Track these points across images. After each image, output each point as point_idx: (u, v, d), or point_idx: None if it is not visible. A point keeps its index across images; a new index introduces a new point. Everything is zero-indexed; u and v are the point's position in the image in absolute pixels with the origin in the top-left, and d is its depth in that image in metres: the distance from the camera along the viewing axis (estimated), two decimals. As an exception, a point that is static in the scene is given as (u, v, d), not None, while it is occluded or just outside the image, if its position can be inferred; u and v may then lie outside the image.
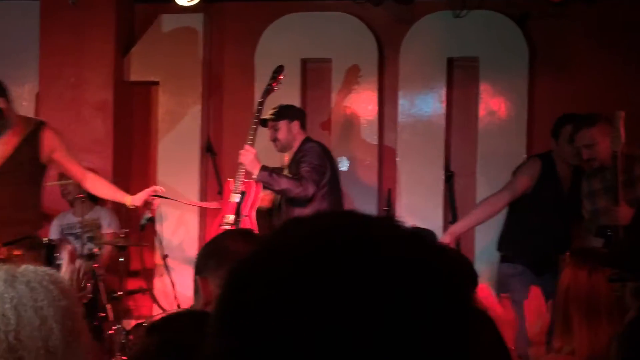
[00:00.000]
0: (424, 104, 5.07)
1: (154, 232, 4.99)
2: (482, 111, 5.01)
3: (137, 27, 5.47)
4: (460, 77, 5.17)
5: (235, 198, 4.09)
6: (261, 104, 4.20)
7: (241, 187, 4.08)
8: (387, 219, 0.66)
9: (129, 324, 4.70)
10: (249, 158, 3.98)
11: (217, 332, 0.60)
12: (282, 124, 4.18)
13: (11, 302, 1.34)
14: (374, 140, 5.15)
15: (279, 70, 4.31)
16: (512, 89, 5.01)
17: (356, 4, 5.04)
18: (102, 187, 3.96)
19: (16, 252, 3.41)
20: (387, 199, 4.93)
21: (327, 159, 4.18)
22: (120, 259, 4.53)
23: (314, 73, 5.32)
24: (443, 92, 5.06)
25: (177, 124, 5.25)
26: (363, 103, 5.17)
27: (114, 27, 5.28)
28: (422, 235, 0.63)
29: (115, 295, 4.48)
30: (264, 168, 3.97)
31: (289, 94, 5.06)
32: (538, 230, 4.05)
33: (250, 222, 4.08)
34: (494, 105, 5.02)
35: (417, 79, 5.13)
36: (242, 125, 5.12)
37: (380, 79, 5.17)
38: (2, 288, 1.36)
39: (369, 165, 5.11)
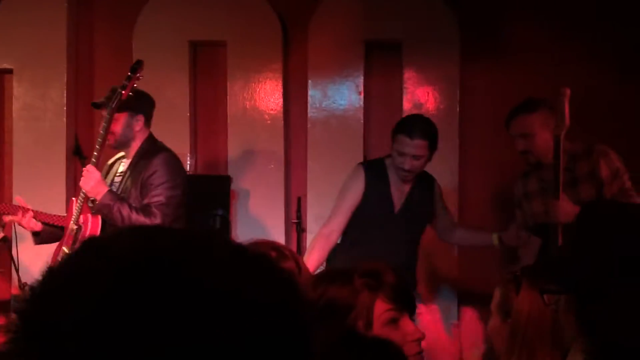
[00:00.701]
0: (339, 95, 4.58)
1: (9, 256, 4.29)
2: (407, 103, 4.57)
3: None
4: (381, 63, 4.74)
5: (74, 227, 3.41)
6: (111, 112, 3.30)
7: (80, 218, 3.40)
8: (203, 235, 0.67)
9: None
10: (91, 183, 3.29)
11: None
12: (122, 116, 3.37)
13: None
14: (279, 139, 4.64)
15: (136, 67, 3.41)
16: (441, 77, 4.61)
17: None
18: None
19: None
20: (297, 209, 4.50)
21: (182, 179, 3.53)
22: None
23: (205, 58, 4.81)
24: (361, 81, 4.62)
25: (37, 121, 4.55)
26: (265, 94, 4.68)
27: None
28: (253, 257, 0.65)
29: None
30: (110, 192, 3.31)
31: (175, 82, 4.62)
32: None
33: None
34: (421, 96, 4.59)
35: (330, 66, 4.65)
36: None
37: (286, 66, 4.68)
38: None
39: (274, 170, 4.60)
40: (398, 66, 4.57)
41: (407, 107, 4.48)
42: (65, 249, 3.40)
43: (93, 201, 3.35)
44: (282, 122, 4.58)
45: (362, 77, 4.56)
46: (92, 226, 3.37)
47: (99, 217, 3.34)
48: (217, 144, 4.69)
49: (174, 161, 3.52)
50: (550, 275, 1.93)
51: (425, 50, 4.53)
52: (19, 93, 4.56)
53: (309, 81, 4.57)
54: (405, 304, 1.84)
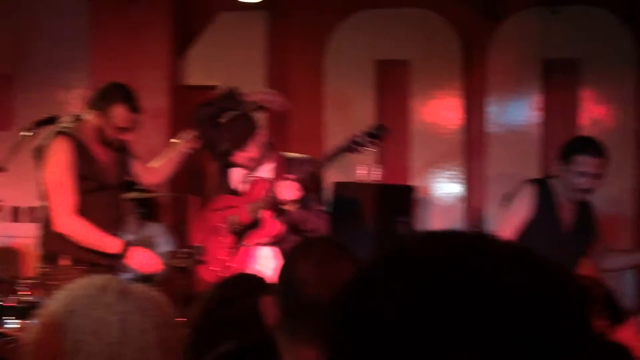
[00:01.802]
0: (516, 112, 5.08)
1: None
2: (584, 120, 4.98)
3: (194, 26, 5.64)
4: (558, 81, 5.14)
5: (252, 213, 4.04)
6: (330, 158, 3.85)
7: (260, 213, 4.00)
8: (511, 245, 0.70)
9: None
10: (289, 195, 3.80)
11: (336, 333, 0.68)
12: None
13: (119, 315, 1.40)
14: (458, 152, 5.15)
15: (377, 133, 3.71)
16: (618, 95, 4.98)
17: (439, 2, 5.16)
18: None
19: None
20: (476, 219, 5.00)
21: None
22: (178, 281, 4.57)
23: (390, 76, 5.37)
24: (538, 98, 5.07)
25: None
26: (446, 110, 5.22)
27: (169, 26, 5.51)
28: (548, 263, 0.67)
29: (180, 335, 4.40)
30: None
31: (362, 98, 5.20)
32: None
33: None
34: (598, 113, 4.98)
35: (508, 83, 5.16)
36: (309, 134, 5.36)
37: (466, 84, 5.19)
38: (113, 299, 1.41)
39: (453, 181, 5.14)
40: (575, 84, 4.96)
41: (584, 123, 4.87)
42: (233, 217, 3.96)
43: (280, 210, 3.83)
44: (462, 136, 5.07)
45: (539, 94, 4.98)
46: (270, 227, 3.89)
47: (279, 223, 3.89)
48: (400, 156, 5.22)
49: None
50: None
51: (602, 69, 4.89)
52: None
53: (488, 98, 5.05)
54: (615, 316, 2.03)
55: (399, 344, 0.63)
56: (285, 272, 1.85)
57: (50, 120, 4.14)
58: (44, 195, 4.06)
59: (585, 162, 3.60)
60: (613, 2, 4.91)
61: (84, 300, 1.46)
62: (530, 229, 3.74)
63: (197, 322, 2.11)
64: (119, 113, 3.96)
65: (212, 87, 5.33)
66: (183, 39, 5.59)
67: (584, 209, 3.84)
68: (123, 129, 3.98)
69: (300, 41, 5.44)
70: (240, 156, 3.95)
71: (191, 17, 5.62)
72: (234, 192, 4.07)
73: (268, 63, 5.41)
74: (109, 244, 3.97)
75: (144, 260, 3.99)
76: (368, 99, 5.21)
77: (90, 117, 3.99)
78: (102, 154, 4.06)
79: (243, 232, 3.97)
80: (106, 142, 4.02)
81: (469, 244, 0.67)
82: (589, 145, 3.67)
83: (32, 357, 1.47)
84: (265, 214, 3.90)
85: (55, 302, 1.47)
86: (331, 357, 0.68)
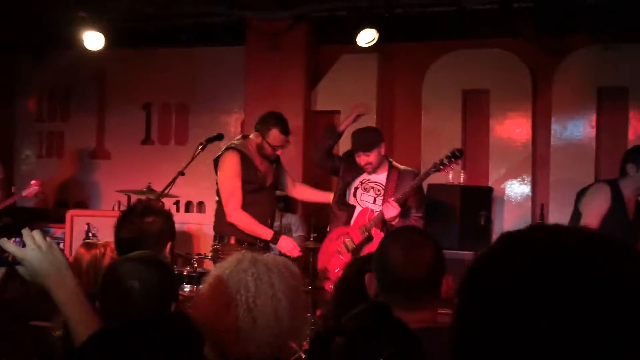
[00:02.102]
0: (576, 129, 5.65)
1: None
2: (631, 135, 5.53)
3: (322, 65, 6.35)
4: (610, 104, 5.67)
5: (364, 234, 4.51)
6: (427, 175, 4.47)
7: (372, 230, 4.48)
8: (605, 237, 0.75)
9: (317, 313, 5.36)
10: (393, 213, 4.28)
11: (461, 306, 0.77)
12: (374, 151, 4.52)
13: (252, 276, 1.73)
14: (528, 161, 5.80)
15: (456, 155, 4.38)
16: None
17: (513, 41, 5.69)
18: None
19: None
20: (541, 213, 5.43)
21: None
22: (310, 260, 5.10)
23: (473, 102, 6.03)
24: (593, 118, 5.64)
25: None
26: (518, 128, 5.84)
27: (304, 66, 6.20)
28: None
29: (306, 289, 5.05)
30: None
31: (451, 121, 5.91)
32: None
33: None
34: None
35: (569, 106, 5.73)
36: (410, 151, 5.95)
37: (534, 107, 5.81)
38: (248, 266, 1.75)
39: (523, 183, 5.78)
40: (624, 107, 5.54)
41: (631, 138, 5.47)
42: (349, 242, 4.53)
43: (386, 224, 4.36)
44: (531, 148, 5.75)
45: (594, 115, 5.60)
46: (377, 240, 4.29)
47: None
48: (481, 164, 5.92)
49: None
50: None
51: None
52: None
53: (552, 118, 5.71)
54: None
55: (523, 305, 0.69)
56: (380, 254, 2.03)
57: (216, 137, 4.74)
58: (218, 193, 4.65)
59: None
60: None
61: (232, 268, 1.77)
62: (607, 217, 4.11)
63: (338, 289, 2.35)
64: (275, 135, 4.55)
65: (336, 112, 6.17)
66: (314, 75, 6.25)
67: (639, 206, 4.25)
68: (277, 147, 4.59)
69: (402, 76, 6.14)
70: (362, 158, 4.46)
71: (320, 58, 6.32)
72: (349, 205, 4.60)
73: (378, 93, 6.11)
74: (264, 232, 4.54)
75: (288, 246, 4.53)
76: (457, 119, 5.90)
77: (253, 137, 4.61)
78: (261, 164, 4.63)
79: (359, 249, 4.49)
80: (264, 155, 4.62)
81: (574, 234, 0.73)
82: None
83: (205, 305, 1.77)
84: (375, 230, 4.46)
85: (218, 269, 1.81)
86: (460, 311, 0.75)
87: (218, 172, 4.61)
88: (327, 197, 4.91)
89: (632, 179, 4.13)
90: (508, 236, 0.77)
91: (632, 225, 4.20)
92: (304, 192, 5.12)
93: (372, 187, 4.62)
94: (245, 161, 4.58)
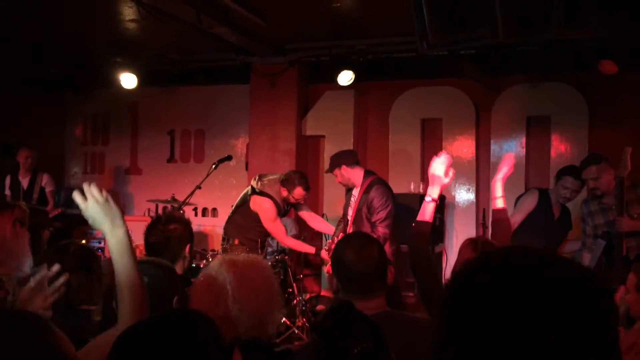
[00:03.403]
0: (510, 149, 5.87)
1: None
2: (553, 154, 5.81)
3: (311, 99, 6.58)
4: (536, 130, 5.92)
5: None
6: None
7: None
8: (556, 257, 0.76)
9: (306, 296, 5.68)
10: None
11: (441, 309, 0.76)
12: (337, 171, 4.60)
13: (234, 273, 1.76)
14: (473, 175, 6.09)
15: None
16: (576, 138, 5.72)
17: (460, 80, 5.96)
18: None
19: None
20: (482, 215, 5.68)
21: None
22: (301, 253, 5.49)
23: (429, 128, 6.27)
24: (523, 140, 5.89)
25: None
26: (463, 148, 6.10)
27: (296, 100, 6.43)
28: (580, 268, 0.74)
29: (298, 277, 5.38)
30: None
31: (413, 143, 6.12)
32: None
33: None
34: (562, 149, 5.78)
35: (505, 131, 5.98)
36: (380, 167, 6.05)
37: (477, 132, 6.08)
38: (229, 266, 1.78)
39: (469, 192, 6.08)
40: (548, 131, 5.80)
41: (553, 156, 5.75)
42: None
43: None
44: (475, 164, 6.02)
45: (524, 138, 5.87)
46: None
47: None
48: None
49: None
50: None
51: (565, 122, 5.72)
52: (328, 148, 6.33)
53: (491, 140, 5.98)
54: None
55: (491, 312, 0.68)
56: (336, 257, 2.04)
57: (226, 158, 4.88)
58: (236, 206, 4.85)
59: (567, 181, 4.17)
60: (571, 78, 5.55)
61: (217, 269, 1.79)
62: (535, 215, 4.20)
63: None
64: (298, 191, 4.73)
65: (321, 136, 6.45)
66: (304, 107, 6.42)
67: (564, 209, 4.40)
68: (298, 200, 4.80)
69: (374, 108, 6.35)
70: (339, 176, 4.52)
71: (309, 94, 6.50)
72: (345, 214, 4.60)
73: (355, 122, 6.35)
74: (309, 249, 4.79)
75: (325, 255, 4.53)
76: (417, 142, 6.13)
77: (282, 190, 4.77)
78: (283, 206, 4.78)
79: None
80: (288, 204, 4.87)
81: (529, 254, 0.74)
82: (572, 171, 4.21)
83: (199, 299, 1.76)
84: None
85: (206, 271, 1.82)
86: (439, 322, 0.73)
87: (261, 214, 4.76)
88: (332, 230, 4.88)
89: (554, 190, 4.40)
90: (481, 256, 0.78)
91: (557, 224, 4.41)
92: (318, 226, 5.19)
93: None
94: (277, 206, 4.81)
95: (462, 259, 2.49)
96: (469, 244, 2.56)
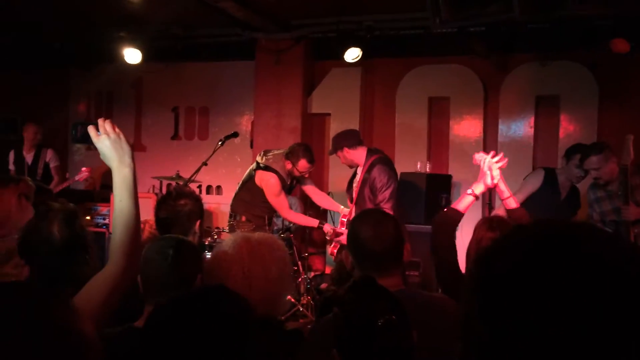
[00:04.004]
0: (518, 129, 5.87)
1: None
2: (561, 134, 5.78)
3: (317, 77, 6.55)
4: (545, 109, 5.90)
5: None
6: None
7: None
8: (589, 226, 0.71)
9: (311, 275, 5.71)
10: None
11: (470, 291, 0.71)
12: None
13: (247, 250, 1.83)
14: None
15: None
16: (585, 118, 5.69)
17: (468, 58, 5.91)
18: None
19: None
20: (489, 195, 5.67)
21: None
22: (306, 231, 5.71)
23: (437, 107, 6.25)
24: (532, 120, 5.87)
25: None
26: (471, 127, 6.09)
27: (302, 77, 6.40)
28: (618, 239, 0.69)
29: (303, 255, 5.47)
30: None
31: (419, 122, 6.12)
32: None
33: None
34: (571, 129, 5.76)
35: (513, 111, 5.94)
36: (386, 146, 6.02)
37: (485, 111, 6.05)
38: (242, 243, 1.83)
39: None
40: (557, 111, 5.78)
41: (562, 136, 5.73)
42: None
43: None
44: (482, 144, 6.00)
45: (533, 117, 5.84)
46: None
47: None
48: (442, 156, 6.17)
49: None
50: None
51: (575, 102, 5.70)
52: (334, 126, 6.30)
53: (499, 120, 5.96)
54: None
55: (523, 288, 0.64)
56: (352, 233, 2.04)
57: (232, 135, 4.89)
58: (242, 183, 4.87)
59: (592, 162, 3.98)
60: (581, 56, 5.48)
61: (230, 245, 1.84)
62: (540, 195, 4.18)
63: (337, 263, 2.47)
64: (303, 164, 4.71)
65: (327, 114, 6.44)
66: (310, 85, 6.40)
67: (574, 190, 4.41)
68: (303, 173, 4.78)
69: (381, 86, 6.33)
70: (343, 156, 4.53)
71: (315, 71, 6.47)
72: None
73: (361, 99, 6.33)
74: (311, 222, 4.82)
75: (329, 229, 4.72)
76: (424, 121, 6.12)
77: (286, 163, 4.76)
78: (288, 180, 4.86)
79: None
80: (292, 177, 4.88)
81: (567, 227, 0.70)
82: (588, 148, 4.12)
83: (212, 274, 1.83)
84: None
85: (220, 247, 1.89)
86: (468, 303, 0.69)
87: (265, 189, 4.78)
88: (337, 207, 5.05)
89: (563, 169, 4.40)
90: (512, 231, 0.74)
91: (563, 204, 4.41)
92: (322, 202, 5.20)
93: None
94: (282, 181, 4.82)
95: (477, 238, 2.45)
96: (484, 223, 2.53)
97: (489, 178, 2.53)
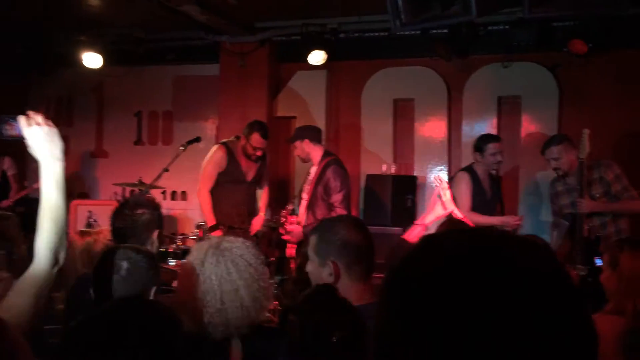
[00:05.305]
0: (481, 129, 5.83)
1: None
2: (523, 134, 5.87)
3: (282, 80, 6.53)
4: (507, 110, 5.97)
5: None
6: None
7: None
8: (512, 236, 0.70)
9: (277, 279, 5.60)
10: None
11: (384, 302, 0.69)
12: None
13: (215, 272, 1.77)
14: (445, 154, 6.12)
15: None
16: (546, 118, 5.78)
17: (432, 60, 5.96)
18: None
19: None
20: (454, 196, 5.69)
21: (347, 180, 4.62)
22: (273, 235, 5.46)
23: (401, 109, 6.28)
24: (495, 120, 5.94)
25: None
26: (436, 128, 6.13)
27: (267, 80, 6.39)
28: (538, 247, 0.67)
29: (269, 260, 5.16)
30: None
31: (385, 124, 6.13)
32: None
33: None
34: (532, 129, 5.85)
35: (476, 112, 6.00)
36: (352, 148, 6.21)
37: (449, 112, 6.10)
38: (213, 260, 1.78)
39: (440, 172, 6.09)
40: (518, 111, 5.86)
41: (523, 136, 5.83)
42: None
43: None
44: (447, 145, 6.04)
45: (495, 118, 5.92)
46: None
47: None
48: (408, 158, 6.20)
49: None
50: None
51: (535, 102, 5.78)
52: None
53: (463, 121, 6.03)
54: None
55: (441, 299, 0.62)
56: (337, 238, 1.95)
57: (195, 140, 4.81)
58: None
59: (493, 147, 4.32)
60: (543, 59, 5.59)
61: (199, 262, 1.78)
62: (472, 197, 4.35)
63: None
64: (256, 138, 4.71)
65: (292, 117, 6.42)
66: (275, 88, 6.38)
67: (494, 181, 4.48)
68: (257, 148, 4.75)
69: (346, 88, 6.33)
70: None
71: (280, 74, 6.46)
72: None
73: (327, 102, 6.32)
74: (209, 219, 4.67)
75: (256, 223, 4.97)
76: (389, 123, 6.15)
77: (240, 139, 4.79)
78: (244, 161, 4.84)
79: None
80: (246, 155, 4.80)
81: (483, 236, 0.69)
82: (490, 137, 4.41)
83: (182, 292, 1.81)
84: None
85: (189, 263, 1.82)
86: (385, 308, 0.67)
87: (206, 158, 4.80)
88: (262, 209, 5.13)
89: (479, 163, 4.47)
90: (425, 240, 0.71)
91: (490, 202, 4.48)
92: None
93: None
94: (230, 156, 4.77)
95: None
96: (447, 222, 2.57)
97: (440, 207, 2.51)
